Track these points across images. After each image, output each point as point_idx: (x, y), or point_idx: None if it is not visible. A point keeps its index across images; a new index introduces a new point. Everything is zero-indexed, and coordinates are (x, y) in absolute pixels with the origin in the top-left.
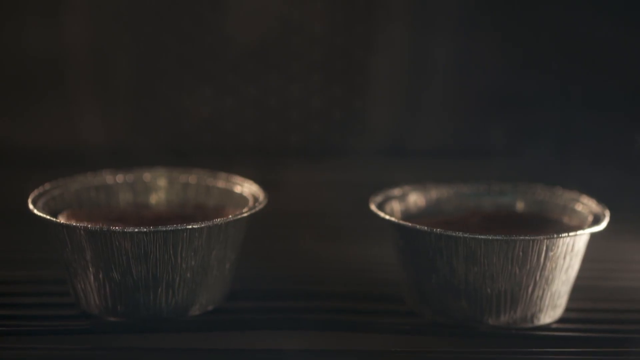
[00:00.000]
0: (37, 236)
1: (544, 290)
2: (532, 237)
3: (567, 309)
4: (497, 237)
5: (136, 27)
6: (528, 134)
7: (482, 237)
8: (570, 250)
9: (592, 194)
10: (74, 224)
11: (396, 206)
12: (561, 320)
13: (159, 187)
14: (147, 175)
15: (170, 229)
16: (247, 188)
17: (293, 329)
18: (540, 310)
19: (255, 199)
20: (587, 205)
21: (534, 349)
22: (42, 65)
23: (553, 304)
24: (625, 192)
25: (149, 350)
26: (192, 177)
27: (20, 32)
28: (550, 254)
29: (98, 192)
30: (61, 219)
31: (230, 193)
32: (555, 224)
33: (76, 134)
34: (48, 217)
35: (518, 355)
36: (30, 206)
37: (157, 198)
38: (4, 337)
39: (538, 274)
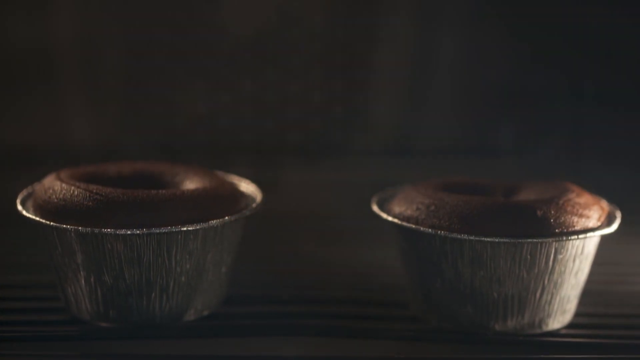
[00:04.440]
0: (26, 238)
1: (552, 294)
2: (540, 240)
3: (577, 314)
4: (504, 240)
5: (127, 19)
6: (537, 131)
7: (489, 239)
8: (580, 253)
9: (603, 194)
10: (64, 225)
11: None
12: (570, 325)
13: None
14: None
15: (164, 230)
16: (244, 188)
17: (292, 335)
18: (548, 316)
19: (253, 200)
20: None
21: (542, 356)
22: (29, 60)
23: (562, 308)
24: (637, 192)
25: (141, 357)
26: None
27: (6, 27)
28: (559, 256)
29: None
30: (49, 182)
31: None
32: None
33: (65, 132)
34: (37, 218)
35: None
36: (19, 207)
37: None
38: None
39: (546, 277)
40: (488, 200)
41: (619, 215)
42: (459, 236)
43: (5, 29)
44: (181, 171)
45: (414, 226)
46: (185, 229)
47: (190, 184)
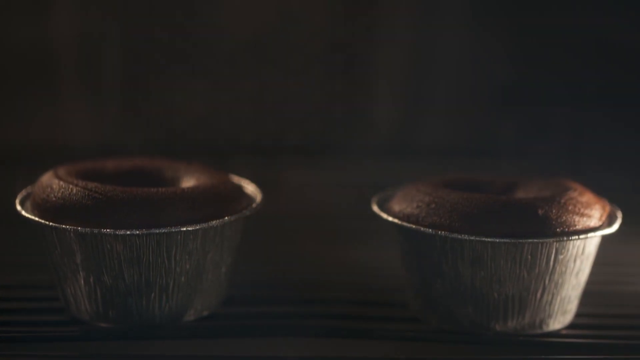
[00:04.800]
0: (25, 238)
1: (553, 295)
2: (541, 240)
3: (578, 315)
4: (505, 240)
5: (127, 19)
6: (537, 131)
7: (489, 239)
8: (581, 253)
9: (604, 194)
10: (64, 226)
11: None
12: (571, 326)
13: None
14: None
15: (163, 231)
16: (243, 188)
17: (292, 335)
18: (549, 316)
19: (253, 199)
20: None
21: (543, 356)
22: (30, 60)
23: (563, 309)
24: (638, 192)
25: (141, 357)
26: None
27: (6, 26)
28: (560, 257)
29: None
30: (47, 177)
31: None
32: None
33: (65, 132)
34: (36, 218)
35: None
36: (18, 207)
37: None
38: None
39: (547, 278)
40: (489, 198)
41: (619, 215)
42: (459, 236)
43: (5, 29)
44: (181, 168)
45: (414, 226)
46: (184, 229)
47: (191, 182)
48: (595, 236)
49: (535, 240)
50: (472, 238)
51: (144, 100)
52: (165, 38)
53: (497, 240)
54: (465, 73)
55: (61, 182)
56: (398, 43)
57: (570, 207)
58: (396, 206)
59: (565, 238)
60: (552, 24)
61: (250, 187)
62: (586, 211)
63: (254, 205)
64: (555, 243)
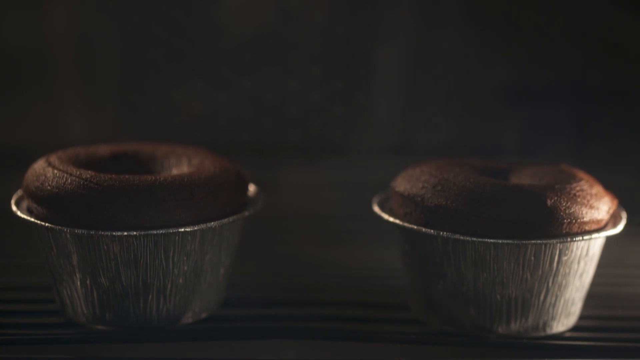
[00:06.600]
0: (21, 239)
1: (556, 296)
2: (544, 241)
3: (582, 317)
4: (507, 241)
5: (124, 16)
6: (540, 131)
7: (492, 240)
8: (585, 255)
9: None
10: (60, 227)
11: None
12: (575, 328)
13: None
14: None
15: (161, 232)
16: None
17: (292, 338)
18: (552, 318)
19: (253, 198)
20: None
21: (546, 359)
22: (25, 58)
23: (566, 311)
24: None
25: None
26: None
27: (1, 25)
28: (564, 258)
29: None
30: (40, 165)
31: None
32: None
33: (61, 131)
34: (32, 219)
35: None
36: (13, 208)
37: None
38: None
39: (551, 279)
40: (497, 183)
41: (624, 216)
42: (461, 237)
43: (0, 27)
44: (178, 151)
45: (415, 227)
46: (182, 230)
47: (190, 167)
48: (599, 237)
49: (539, 242)
50: (475, 239)
51: (142, 99)
52: (163, 36)
53: (500, 242)
54: (466, 72)
55: (55, 171)
56: (398, 42)
57: (579, 199)
58: (400, 186)
59: (569, 239)
60: (554, 22)
61: (249, 187)
62: (595, 203)
63: (253, 205)
64: (559, 244)
